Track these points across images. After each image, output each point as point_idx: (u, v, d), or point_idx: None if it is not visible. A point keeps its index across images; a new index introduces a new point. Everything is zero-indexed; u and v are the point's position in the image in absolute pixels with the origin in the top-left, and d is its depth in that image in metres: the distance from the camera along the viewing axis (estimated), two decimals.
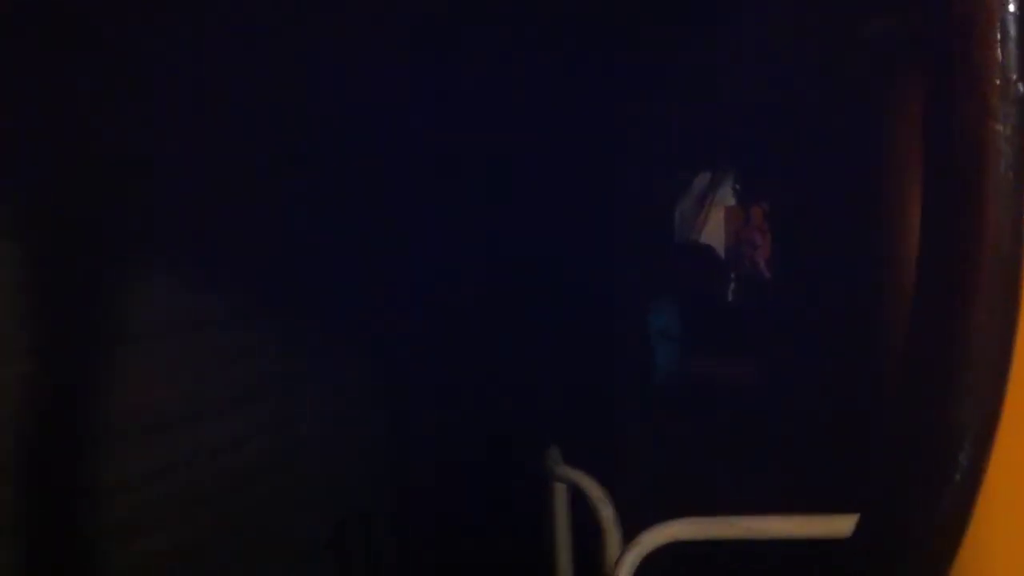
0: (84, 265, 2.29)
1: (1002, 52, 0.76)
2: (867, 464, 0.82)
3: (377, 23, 3.83)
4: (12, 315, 2.05)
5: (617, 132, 4.15)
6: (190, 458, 2.72)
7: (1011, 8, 0.76)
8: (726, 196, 4.72)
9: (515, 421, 4.02)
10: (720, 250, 4.80)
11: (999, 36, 0.76)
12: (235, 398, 2.99)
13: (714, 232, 4.89)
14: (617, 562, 2.07)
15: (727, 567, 2.77)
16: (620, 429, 4.07)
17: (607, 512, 2.61)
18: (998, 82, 0.76)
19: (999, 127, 0.76)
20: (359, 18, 3.68)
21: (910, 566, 0.75)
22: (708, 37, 3.39)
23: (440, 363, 4.24)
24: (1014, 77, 0.77)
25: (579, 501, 2.79)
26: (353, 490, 3.90)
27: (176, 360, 2.65)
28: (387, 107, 3.95)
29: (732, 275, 4.58)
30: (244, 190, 2.95)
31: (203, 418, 2.77)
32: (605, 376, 4.23)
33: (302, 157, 3.36)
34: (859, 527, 0.78)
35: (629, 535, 2.22)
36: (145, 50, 2.45)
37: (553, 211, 4.23)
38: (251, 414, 3.11)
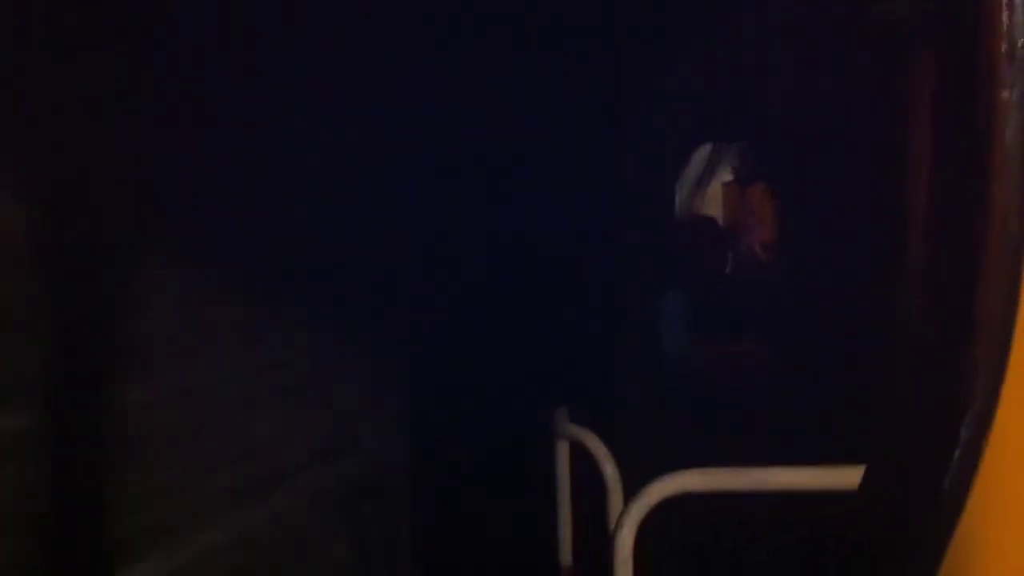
0: (102, 263, 2.30)
1: (1008, 17, 0.75)
2: (869, 439, 0.82)
3: (379, 18, 3.80)
4: (39, 311, 2.06)
5: (619, 110, 4.12)
6: (221, 443, 2.74)
7: None
8: (725, 173, 4.68)
9: (525, 388, 4.04)
10: (719, 227, 4.77)
11: (1005, 1, 0.74)
12: (241, 377, 3.00)
13: (713, 209, 4.87)
14: (623, 513, 2.03)
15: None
16: (626, 406, 4.09)
17: (611, 469, 2.63)
18: (1005, 48, 0.75)
19: (1006, 94, 0.74)
20: (361, 15, 3.65)
21: (912, 539, 0.75)
22: (713, 13, 3.34)
23: (452, 334, 4.26)
24: (1021, 43, 0.75)
25: (584, 463, 2.81)
26: (366, 461, 3.94)
27: (181, 339, 2.65)
28: (389, 94, 3.93)
29: (730, 254, 4.57)
30: (245, 189, 2.95)
31: (212, 393, 2.79)
32: (611, 353, 4.25)
33: (308, 155, 3.35)
34: (861, 500, 0.78)
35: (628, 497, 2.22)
36: (148, 50, 2.44)
37: (557, 188, 4.22)
38: (262, 390, 3.13)
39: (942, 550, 0.74)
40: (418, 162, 4.16)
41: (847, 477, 1.83)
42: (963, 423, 0.74)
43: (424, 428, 4.37)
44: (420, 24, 3.91)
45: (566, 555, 3.00)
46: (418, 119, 4.08)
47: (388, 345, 4.16)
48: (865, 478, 0.79)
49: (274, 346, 3.22)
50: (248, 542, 2.97)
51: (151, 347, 2.50)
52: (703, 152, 4.34)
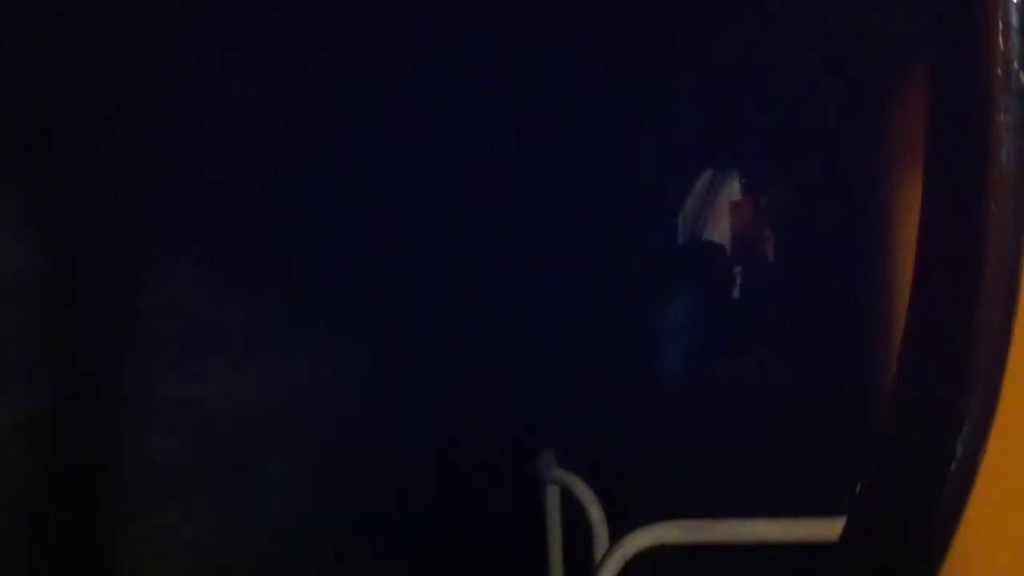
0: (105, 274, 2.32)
1: (1004, 42, 0.77)
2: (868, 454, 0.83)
3: (381, 21, 3.83)
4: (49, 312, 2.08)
5: (621, 126, 4.14)
6: (197, 455, 2.74)
7: None
8: (732, 190, 4.67)
9: (513, 423, 4.03)
10: (726, 246, 4.74)
11: (1001, 26, 0.76)
12: (237, 396, 3.00)
13: (720, 228, 4.84)
14: (600, 564, 2.06)
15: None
16: (623, 430, 4.08)
17: (596, 514, 2.63)
18: (1000, 72, 0.77)
19: (1001, 117, 0.76)
20: (363, 17, 3.69)
21: (909, 552, 0.75)
22: (714, 29, 3.38)
23: (440, 365, 4.24)
24: (1016, 67, 0.77)
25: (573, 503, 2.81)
26: (354, 491, 3.91)
27: (179, 352, 2.66)
28: (391, 106, 3.95)
29: (739, 271, 4.55)
30: (247, 187, 2.96)
31: (203, 412, 2.78)
32: (609, 377, 4.23)
33: (309, 157, 3.37)
34: (856, 511, 0.79)
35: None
36: (150, 51, 2.47)
37: (555, 208, 4.22)
38: (251, 413, 3.13)
39: (940, 561, 0.74)
40: (416, 179, 4.16)
41: (826, 529, 1.84)
42: (959, 436, 0.75)
43: (412, 469, 4.35)
44: (432, 36, 3.94)
45: None
46: (419, 132, 4.09)
47: (373, 379, 4.15)
48: (861, 489, 0.80)
49: (256, 369, 3.22)
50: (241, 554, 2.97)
51: (156, 351, 2.51)
52: (707, 173, 4.36)
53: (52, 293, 2.17)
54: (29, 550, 2.05)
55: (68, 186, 2.22)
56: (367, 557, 3.97)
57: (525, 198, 4.19)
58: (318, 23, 3.46)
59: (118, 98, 2.39)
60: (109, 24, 2.33)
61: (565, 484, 2.77)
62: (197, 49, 2.72)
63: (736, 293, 4.12)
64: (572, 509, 2.83)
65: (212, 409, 2.78)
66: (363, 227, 3.76)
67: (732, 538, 1.97)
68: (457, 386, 4.23)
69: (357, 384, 3.92)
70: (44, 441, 2.11)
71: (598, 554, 2.54)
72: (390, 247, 3.98)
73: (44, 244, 2.13)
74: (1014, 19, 0.77)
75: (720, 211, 4.28)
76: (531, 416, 4.04)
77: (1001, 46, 0.77)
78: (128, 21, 2.40)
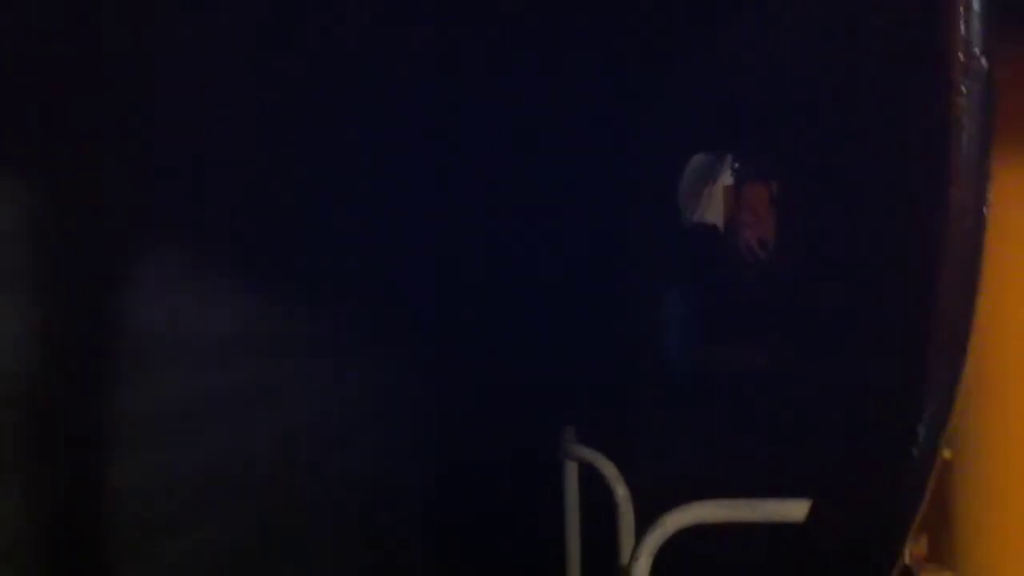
0: (112, 263, 2.34)
1: (965, 27, 0.76)
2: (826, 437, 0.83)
3: (381, 22, 3.84)
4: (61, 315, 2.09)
5: (622, 114, 4.14)
6: (227, 446, 2.76)
7: None
8: (726, 175, 4.68)
9: (532, 404, 4.03)
10: (721, 231, 4.77)
11: (962, 11, 0.76)
12: (265, 389, 3.02)
13: (716, 213, 4.87)
14: (639, 543, 2.00)
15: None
16: (631, 414, 4.08)
17: (621, 491, 2.58)
18: (961, 57, 0.76)
19: (962, 101, 0.76)
20: (363, 17, 3.70)
21: (872, 537, 0.76)
22: (715, 18, 3.36)
23: (460, 350, 4.26)
24: (977, 52, 0.77)
25: (591, 482, 2.78)
26: (383, 474, 3.94)
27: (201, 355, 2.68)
28: (391, 106, 3.96)
29: (733, 257, 4.56)
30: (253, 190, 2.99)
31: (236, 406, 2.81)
32: (615, 361, 4.24)
33: (321, 160, 3.39)
34: (823, 495, 0.79)
35: (639, 519, 2.20)
36: (151, 51, 2.48)
37: (560, 197, 4.24)
38: (278, 408, 3.15)
39: (901, 545, 0.75)
40: (420, 179, 4.18)
41: None
42: (921, 421, 0.75)
43: (433, 451, 4.37)
44: (433, 36, 3.94)
45: None
46: (421, 133, 4.11)
47: (395, 365, 4.17)
48: (826, 476, 0.80)
49: (289, 358, 3.25)
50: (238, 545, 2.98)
51: (155, 350, 2.52)
52: (705, 158, 4.35)
53: (51, 292, 2.18)
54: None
55: (68, 186, 2.23)
56: (388, 540, 3.99)
57: (532, 190, 4.19)
58: (318, 23, 3.47)
59: (118, 98, 2.40)
60: (109, 24, 2.34)
61: (588, 460, 2.72)
62: (197, 50, 2.73)
63: (733, 277, 4.12)
64: (590, 485, 2.79)
65: (209, 406, 2.80)
66: (363, 227, 3.77)
67: (774, 517, 1.91)
68: (475, 366, 4.24)
69: (385, 377, 3.94)
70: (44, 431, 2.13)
71: (623, 530, 2.50)
72: (390, 246, 3.99)
73: (43, 245, 2.14)
74: (976, 4, 0.77)
75: (716, 196, 4.29)
76: (549, 394, 4.05)
77: (963, 31, 0.77)
78: (128, 21, 2.41)
